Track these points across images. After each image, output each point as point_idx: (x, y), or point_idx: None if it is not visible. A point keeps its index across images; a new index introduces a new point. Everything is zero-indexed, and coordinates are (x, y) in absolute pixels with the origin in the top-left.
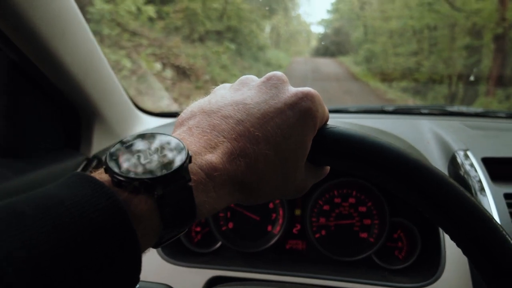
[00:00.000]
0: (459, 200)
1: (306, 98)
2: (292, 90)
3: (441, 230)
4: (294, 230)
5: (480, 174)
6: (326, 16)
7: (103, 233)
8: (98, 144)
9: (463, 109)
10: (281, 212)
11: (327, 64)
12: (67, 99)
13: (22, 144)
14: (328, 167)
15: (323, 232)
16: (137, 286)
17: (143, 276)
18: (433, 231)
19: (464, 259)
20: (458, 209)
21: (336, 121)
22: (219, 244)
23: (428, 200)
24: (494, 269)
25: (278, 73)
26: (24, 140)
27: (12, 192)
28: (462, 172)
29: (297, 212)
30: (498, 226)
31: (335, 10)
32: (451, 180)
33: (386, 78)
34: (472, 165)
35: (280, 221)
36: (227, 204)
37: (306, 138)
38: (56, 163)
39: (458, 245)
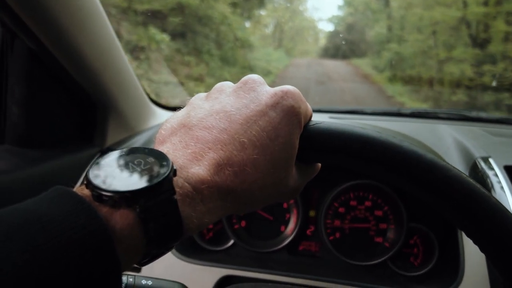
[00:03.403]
0: (454, 183)
1: (286, 96)
2: (271, 90)
3: (460, 239)
4: (308, 232)
5: (502, 182)
6: (338, 12)
7: (80, 252)
8: (112, 137)
9: (483, 115)
10: (295, 213)
11: (338, 69)
12: (83, 91)
13: (36, 133)
14: (319, 164)
15: (337, 235)
16: (150, 283)
17: (154, 272)
18: (451, 238)
19: (484, 269)
20: (454, 192)
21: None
22: (231, 242)
23: (420, 186)
24: None
25: (254, 75)
26: (39, 130)
27: (23, 182)
28: (483, 180)
29: (312, 213)
30: None
31: (348, 3)
32: (442, 162)
33: (438, 99)
34: (494, 173)
35: (294, 221)
36: (218, 218)
37: (292, 136)
38: (70, 155)
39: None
